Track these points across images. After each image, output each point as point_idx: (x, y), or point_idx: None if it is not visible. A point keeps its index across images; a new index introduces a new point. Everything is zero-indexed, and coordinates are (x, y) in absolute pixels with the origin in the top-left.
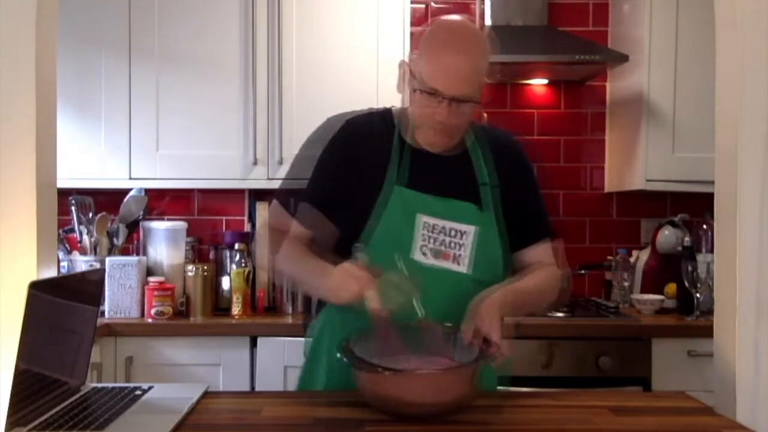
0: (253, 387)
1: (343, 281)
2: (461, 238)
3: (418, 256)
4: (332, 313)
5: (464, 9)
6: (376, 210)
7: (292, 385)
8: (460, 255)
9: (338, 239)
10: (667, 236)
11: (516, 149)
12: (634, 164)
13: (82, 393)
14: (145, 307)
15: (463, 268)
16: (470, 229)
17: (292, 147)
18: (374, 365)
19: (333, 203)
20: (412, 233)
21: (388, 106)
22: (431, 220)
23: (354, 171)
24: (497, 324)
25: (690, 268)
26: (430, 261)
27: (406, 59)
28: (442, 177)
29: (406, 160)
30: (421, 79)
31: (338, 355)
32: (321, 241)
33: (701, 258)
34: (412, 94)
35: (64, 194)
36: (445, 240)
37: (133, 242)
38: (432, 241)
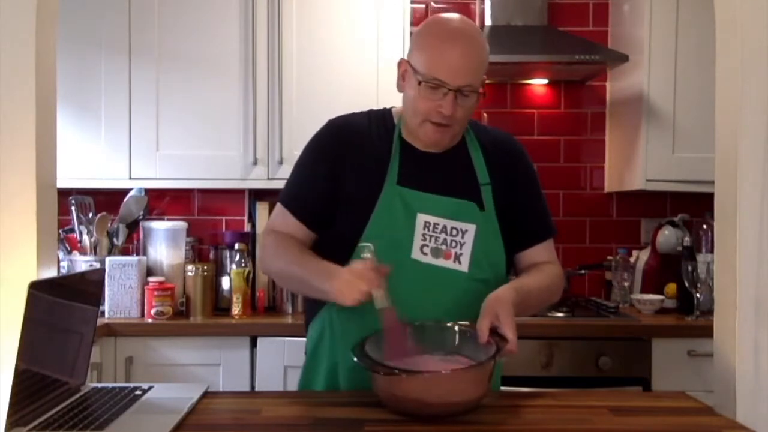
0: (253, 387)
1: (352, 282)
2: (462, 237)
3: (417, 255)
4: (332, 314)
5: (464, 9)
6: (376, 210)
7: (292, 385)
8: (461, 254)
9: (338, 239)
10: (667, 236)
11: (514, 150)
12: (634, 164)
13: (82, 393)
14: (145, 307)
15: (463, 267)
16: (471, 228)
17: (292, 147)
18: (392, 368)
19: (319, 205)
20: (412, 232)
21: (388, 106)
22: (432, 219)
23: (342, 171)
24: (512, 321)
25: (690, 268)
26: (429, 260)
27: (406, 57)
28: (443, 175)
29: (406, 159)
30: (424, 73)
31: (354, 359)
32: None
33: (701, 258)
34: (416, 89)
35: (64, 194)
36: (447, 239)
37: (133, 242)
38: (432, 240)
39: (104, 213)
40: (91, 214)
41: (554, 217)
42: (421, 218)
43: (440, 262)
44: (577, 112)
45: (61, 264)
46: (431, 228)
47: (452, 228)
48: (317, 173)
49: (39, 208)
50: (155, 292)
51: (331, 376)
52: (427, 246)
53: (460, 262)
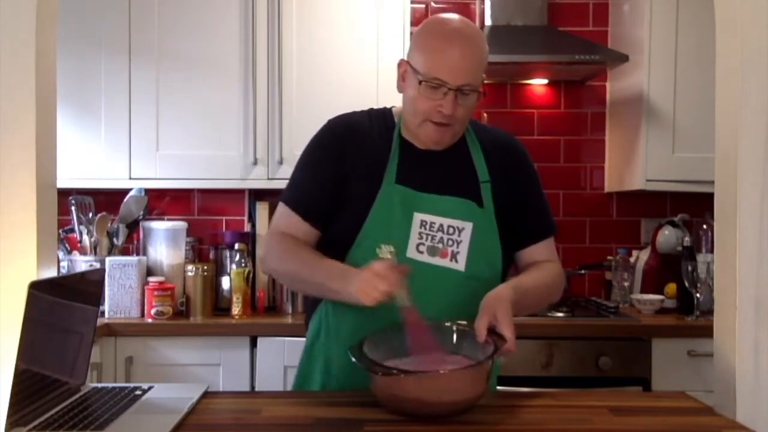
0: (253, 387)
1: (372, 282)
2: (459, 235)
3: (412, 254)
4: (327, 313)
5: (464, 9)
6: (374, 208)
7: (292, 385)
8: (458, 252)
9: (336, 237)
10: (667, 236)
11: (515, 149)
12: (634, 164)
13: (82, 393)
14: (145, 307)
15: (459, 265)
16: (467, 225)
17: (292, 147)
18: (390, 368)
19: (323, 204)
20: (408, 231)
21: (388, 106)
22: (428, 218)
23: (343, 169)
24: (510, 320)
25: (690, 268)
26: (425, 259)
27: (406, 57)
28: (442, 173)
29: (405, 157)
30: (424, 73)
31: (352, 359)
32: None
33: (701, 258)
34: (416, 89)
35: (64, 194)
36: (443, 237)
37: (133, 242)
38: (429, 238)
39: (104, 213)
40: (91, 214)
41: (554, 217)
42: (418, 217)
43: (436, 260)
44: (577, 112)
45: (61, 264)
46: (428, 227)
47: (449, 226)
48: (320, 173)
49: (39, 208)
50: (155, 292)
51: (326, 372)
52: (423, 245)
53: (456, 261)
